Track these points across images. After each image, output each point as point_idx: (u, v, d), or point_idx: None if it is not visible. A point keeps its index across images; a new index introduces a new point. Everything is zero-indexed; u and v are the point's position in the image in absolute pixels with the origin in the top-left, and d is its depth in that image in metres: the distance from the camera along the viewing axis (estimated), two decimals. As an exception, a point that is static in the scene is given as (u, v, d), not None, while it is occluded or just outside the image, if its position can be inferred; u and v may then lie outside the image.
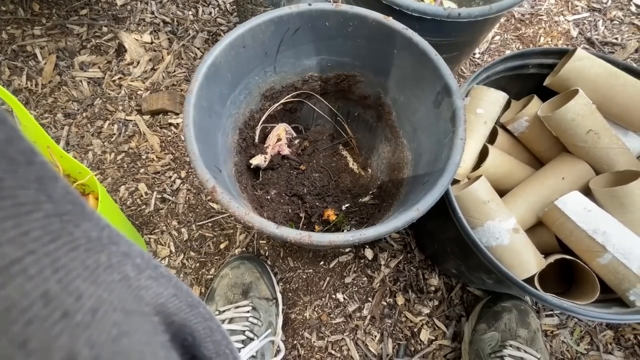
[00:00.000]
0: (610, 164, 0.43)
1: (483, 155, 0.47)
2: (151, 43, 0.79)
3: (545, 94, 0.48)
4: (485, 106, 0.46)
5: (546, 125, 0.44)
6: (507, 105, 0.52)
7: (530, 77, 0.51)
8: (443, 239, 0.52)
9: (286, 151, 0.58)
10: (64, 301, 0.09)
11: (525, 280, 0.40)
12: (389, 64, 0.47)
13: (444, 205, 0.42)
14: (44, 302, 0.09)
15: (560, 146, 0.46)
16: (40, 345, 0.09)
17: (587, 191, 0.43)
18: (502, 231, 0.42)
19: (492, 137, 0.50)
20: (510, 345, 0.51)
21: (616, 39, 0.82)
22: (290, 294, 0.60)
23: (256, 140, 0.55)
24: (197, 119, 0.37)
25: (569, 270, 0.48)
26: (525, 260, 0.42)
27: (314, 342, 0.58)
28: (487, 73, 0.48)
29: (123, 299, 0.12)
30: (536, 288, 0.40)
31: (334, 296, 0.60)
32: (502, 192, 0.47)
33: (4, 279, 0.08)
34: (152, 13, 0.82)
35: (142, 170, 0.68)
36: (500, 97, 0.47)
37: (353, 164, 0.65)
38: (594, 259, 0.40)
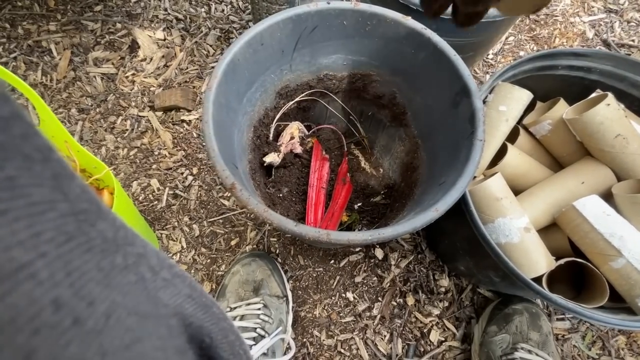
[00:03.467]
0: (637, 170, 0.42)
1: (502, 152, 0.47)
2: (164, 40, 0.79)
3: (574, 97, 0.47)
4: (508, 104, 0.46)
5: (571, 129, 0.44)
6: (533, 105, 0.52)
7: (559, 78, 0.50)
8: (454, 236, 0.52)
9: (299, 149, 0.58)
10: (75, 307, 0.09)
11: (534, 281, 0.40)
12: (406, 63, 0.46)
13: (457, 200, 0.42)
14: (53, 309, 0.08)
15: (582, 152, 0.46)
16: (48, 356, 0.08)
17: (606, 198, 0.42)
18: (513, 229, 0.42)
19: (514, 137, 0.50)
20: (522, 348, 0.50)
21: (633, 40, 0.81)
22: (300, 292, 0.60)
23: (270, 138, 0.55)
24: (215, 115, 0.37)
25: (582, 276, 0.47)
26: (534, 260, 0.42)
27: (324, 340, 0.58)
28: (514, 71, 0.48)
29: (138, 302, 0.12)
30: (543, 288, 0.40)
31: (343, 295, 0.60)
32: (518, 192, 0.47)
33: (10, 285, 0.08)
34: (165, 10, 0.82)
35: (154, 166, 0.68)
36: (525, 95, 0.46)
37: (365, 164, 0.65)
38: (606, 262, 0.40)
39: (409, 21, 0.42)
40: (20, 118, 0.09)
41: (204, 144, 0.36)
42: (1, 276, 0.08)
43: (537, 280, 0.42)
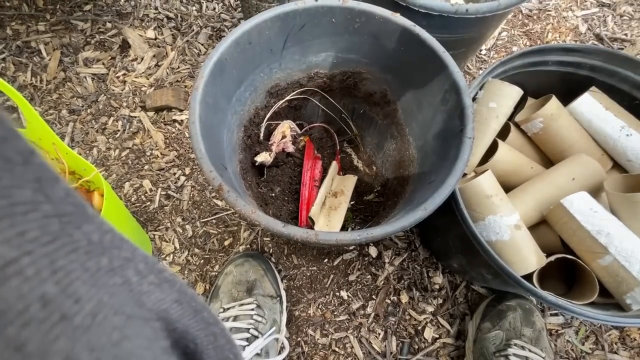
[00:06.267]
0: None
1: (493, 149, 0.47)
2: (155, 39, 0.79)
3: (564, 92, 0.47)
4: (498, 100, 0.46)
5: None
6: (525, 101, 0.51)
7: (549, 74, 0.49)
8: (446, 233, 0.52)
9: (291, 148, 0.58)
10: (63, 304, 0.09)
11: (525, 278, 0.40)
12: (396, 61, 0.46)
13: (448, 198, 0.42)
14: (41, 305, 0.09)
15: (574, 150, 0.46)
16: (38, 349, 0.08)
17: (596, 194, 0.42)
18: (503, 226, 0.42)
19: (505, 133, 0.50)
20: (515, 344, 0.50)
21: (625, 35, 0.81)
22: (294, 292, 0.60)
23: (261, 138, 0.55)
24: (203, 115, 0.37)
25: (573, 272, 0.48)
26: (524, 257, 0.41)
27: (318, 339, 0.58)
28: (504, 67, 0.47)
29: (124, 303, 0.12)
30: (534, 285, 0.40)
31: (337, 294, 0.60)
32: (510, 189, 0.47)
33: None
34: (156, 9, 0.82)
35: (146, 167, 0.68)
36: (514, 92, 0.46)
37: (358, 162, 0.64)
38: (594, 259, 0.40)
39: (398, 18, 0.42)
40: (0, 122, 0.09)
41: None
42: None
43: (529, 277, 0.42)
